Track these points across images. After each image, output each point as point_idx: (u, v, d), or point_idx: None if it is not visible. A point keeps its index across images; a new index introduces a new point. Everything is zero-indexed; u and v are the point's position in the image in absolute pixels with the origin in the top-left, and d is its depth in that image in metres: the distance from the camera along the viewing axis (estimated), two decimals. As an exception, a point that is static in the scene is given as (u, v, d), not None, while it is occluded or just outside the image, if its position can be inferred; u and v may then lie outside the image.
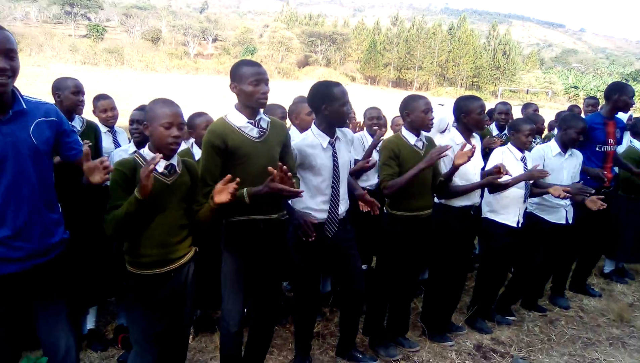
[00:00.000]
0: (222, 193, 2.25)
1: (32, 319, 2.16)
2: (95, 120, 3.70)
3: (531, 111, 5.50)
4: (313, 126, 2.95)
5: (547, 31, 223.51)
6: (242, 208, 2.45)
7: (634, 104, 4.30)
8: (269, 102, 2.73)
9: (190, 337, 3.46)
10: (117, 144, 3.87)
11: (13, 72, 1.92)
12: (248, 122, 2.54)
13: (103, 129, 3.73)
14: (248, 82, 2.48)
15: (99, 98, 3.87)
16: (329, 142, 2.90)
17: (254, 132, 2.55)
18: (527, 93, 56.34)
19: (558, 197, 3.58)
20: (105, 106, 3.83)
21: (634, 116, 5.66)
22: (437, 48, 63.34)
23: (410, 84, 63.88)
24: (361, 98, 28.15)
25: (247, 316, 2.89)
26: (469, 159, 3.15)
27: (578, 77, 68.71)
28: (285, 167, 2.35)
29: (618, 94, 4.30)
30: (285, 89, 33.37)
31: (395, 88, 60.03)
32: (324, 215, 2.93)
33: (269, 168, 2.33)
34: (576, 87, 60.33)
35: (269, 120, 2.66)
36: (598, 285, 4.94)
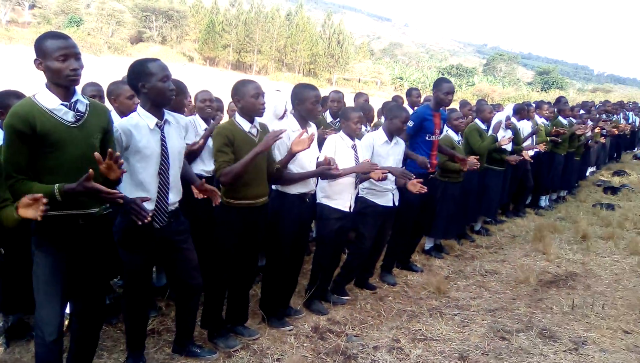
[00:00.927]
0: (29, 209, 1.96)
1: None
2: None
3: (362, 100, 5.79)
4: (139, 107, 2.71)
5: (376, 24, 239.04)
6: (55, 202, 2.15)
7: (446, 99, 4.71)
8: (84, 80, 2.44)
9: (1, 348, 3.03)
10: None
11: None
12: (62, 104, 2.24)
13: None
14: (54, 57, 2.19)
15: None
16: (157, 124, 2.68)
17: (68, 115, 2.26)
18: (359, 82, 59.85)
19: (377, 179, 3.81)
20: None
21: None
22: (275, 33, 63.86)
23: (249, 68, 63.65)
24: (200, 79, 27.26)
25: (70, 321, 2.60)
26: (308, 147, 3.19)
27: (403, 69, 74.78)
28: (117, 154, 2.12)
29: (435, 90, 4.72)
30: (116, 66, 31.02)
31: (235, 71, 59.29)
32: (151, 206, 2.72)
33: (96, 154, 2.08)
34: (401, 78, 65.60)
35: (88, 102, 2.38)
36: (420, 261, 5.42)
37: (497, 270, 5.29)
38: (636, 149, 15.17)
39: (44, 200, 1.93)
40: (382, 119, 5.24)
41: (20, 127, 2.13)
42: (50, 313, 2.34)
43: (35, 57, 2.23)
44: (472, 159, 4.99)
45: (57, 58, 2.18)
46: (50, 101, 2.22)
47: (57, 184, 2.12)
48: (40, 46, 2.21)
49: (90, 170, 2.08)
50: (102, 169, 2.14)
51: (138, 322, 2.97)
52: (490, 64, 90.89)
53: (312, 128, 3.61)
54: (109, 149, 2.17)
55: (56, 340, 2.38)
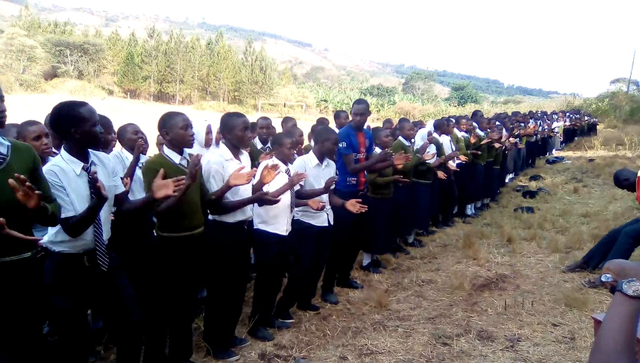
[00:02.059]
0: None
1: None
2: None
3: (290, 125, 5.88)
4: (63, 151, 2.63)
5: (297, 49, 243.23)
6: None
7: (360, 117, 4.96)
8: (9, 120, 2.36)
9: None
10: None
11: None
12: None
13: None
14: None
15: None
16: (83, 167, 2.62)
17: None
18: (285, 106, 60.32)
19: (316, 209, 3.96)
20: None
21: (372, 125, 6.47)
22: (197, 62, 63.37)
23: (172, 98, 62.56)
24: (121, 113, 26.44)
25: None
26: (247, 182, 3.23)
27: (326, 91, 76.25)
28: (22, 177, 2.04)
29: (352, 111, 4.95)
30: (31, 104, 29.54)
31: (157, 102, 58.05)
32: (87, 246, 2.64)
33: (10, 180, 2.00)
34: (326, 101, 66.86)
35: (10, 143, 2.29)
36: (359, 277, 5.53)
37: (432, 279, 5.49)
38: (547, 154, 16.27)
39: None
40: (312, 142, 5.36)
41: None
42: None
43: None
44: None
45: None
46: None
47: None
48: None
49: (1, 219, 2.00)
50: (19, 197, 2.06)
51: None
52: (408, 83, 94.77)
53: (245, 156, 3.64)
54: (16, 174, 2.07)
55: None
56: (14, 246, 2.23)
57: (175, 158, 3.13)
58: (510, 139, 9.69)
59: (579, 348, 3.71)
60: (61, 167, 2.56)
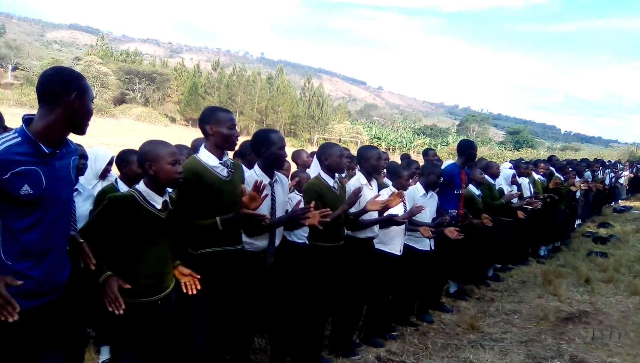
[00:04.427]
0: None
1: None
2: None
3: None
4: (256, 166, 3.33)
5: (351, 86, 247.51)
6: None
7: (473, 157, 5.53)
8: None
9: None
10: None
11: None
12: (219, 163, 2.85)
13: None
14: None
15: None
16: (269, 183, 3.30)
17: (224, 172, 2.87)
18: (340, 142, 61.46)
19: (427, 237, 4.54)
20: None
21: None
22: (256, 95, 65.84)
23: (231, 128, 64.90)
24: (182, 140, 27.88)
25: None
26: (380, 209, 3.85)
27: (379, 129, 77.20)
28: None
29: (469, 149, 5.49)
30: (100, 127, 31.69)
31: (217, 131, 60.37)
32: (263, 243, 3.29)
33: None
34: (379, 138, 67.68)
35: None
36: (448, 303, 5.98)
37: (517, 310, 5.87)
38: (614, 203, 16.20)
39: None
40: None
41: None
42: None
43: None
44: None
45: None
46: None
47: None
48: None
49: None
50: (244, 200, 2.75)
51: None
52: (463, 125, 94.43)
53: (374, 183, 4.26)
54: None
55: None
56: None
57: (330, 181, 3.78)
58: (588, 184, 9.96)
59: (669, 377, 4.04)
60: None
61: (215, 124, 2.83)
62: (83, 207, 3.16)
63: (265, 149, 3.23)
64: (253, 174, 3.28)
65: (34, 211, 1.94)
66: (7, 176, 1.83)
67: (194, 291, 2.64)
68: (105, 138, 25.74)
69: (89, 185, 3.45)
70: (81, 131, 2.06)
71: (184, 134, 45.10)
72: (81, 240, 2.16)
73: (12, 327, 1.90)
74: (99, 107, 53.25)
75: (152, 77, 64.53)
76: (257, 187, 2.71)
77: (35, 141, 1.91)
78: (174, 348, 2.97)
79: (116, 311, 2.25)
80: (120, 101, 61.71)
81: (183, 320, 2.84)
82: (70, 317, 2.30)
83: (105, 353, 3.60)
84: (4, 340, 1.93)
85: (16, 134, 1.91)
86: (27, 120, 1.97)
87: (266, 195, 2.87)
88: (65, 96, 1.95)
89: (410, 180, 4.64)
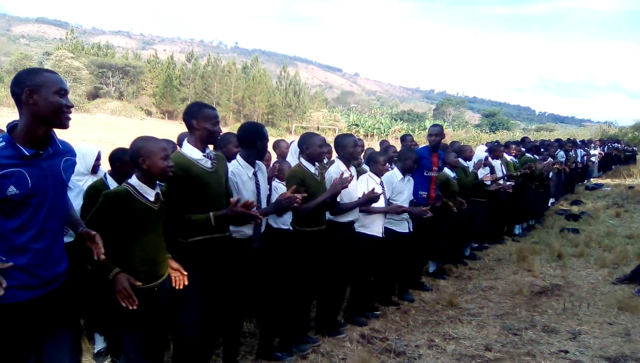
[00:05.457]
0: None
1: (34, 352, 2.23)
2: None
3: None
4: (239, 157, 3.47)
5: (327, 74, 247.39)
6: None
7: (435, 138, 5.73)
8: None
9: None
10: None
11: None
12: None
13: None
14: None
15: None
16: (253, 172, 3.45)
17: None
18: (318, 130, 61.54)
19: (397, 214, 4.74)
20: None
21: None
22: (233, 85, 65.44)
23: (208, 120, 64.39)
24: (159, 133, 27.65)
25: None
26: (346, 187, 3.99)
27: (357, 116, 77.42)
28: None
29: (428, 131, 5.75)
30: (76, 123, 31.15)
31: (194, 123, 59.84)
32: (250, 231, 3.44)
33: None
34: (357, 125, 67.90)
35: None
36: (427, 282, 6.21)
37: (493, 286, 6.14)
38: (586, 181, 16.70)
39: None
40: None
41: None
42: None
43: None
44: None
45: None
46: None
47: None
48: None
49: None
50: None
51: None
52: (439, 109, 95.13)
53: (352, 169, 4.43)
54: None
55: None
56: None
57: (311, 168, 3.94)
58: (559, 165, 10.32)
59: (634, 341, 4.33)
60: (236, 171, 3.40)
61: (202, 120, 2.95)
62: (74, 203, 3.26)
63: (261, 142, 3.39)
64: (237, 165, 3.42)
65: (23, 211, 2.04)
66: None
67: (181, 286, 2.78)
68: (81, 134, 25.27)
69: (79, 181, 3.55)
70: (58, 124, 2.10)
71: (161, 127, 44.88)
72: (94, 232, 2.26)
73: (13, 316, 2.04)
74: (72, 102, 52.38)
75: (125, 70, 63.60)
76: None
77: (15, 144, 2.02)
78: (169, 333, 3.12)
79: (130, 307, 2.41)
80: (93, 95, 60.74)
81: (176, 305, 2.98)
82: (74, 306, 2.42)
83: (100, 342, 3.72)
84: (6, 329, 2.05)
85: (1, 139, 2.02)
86: (13, 126, 2.08)
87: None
88: (21, 95, 2.02)
89: (387, 165, 4.82)
